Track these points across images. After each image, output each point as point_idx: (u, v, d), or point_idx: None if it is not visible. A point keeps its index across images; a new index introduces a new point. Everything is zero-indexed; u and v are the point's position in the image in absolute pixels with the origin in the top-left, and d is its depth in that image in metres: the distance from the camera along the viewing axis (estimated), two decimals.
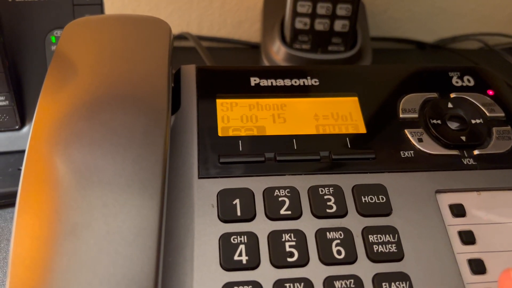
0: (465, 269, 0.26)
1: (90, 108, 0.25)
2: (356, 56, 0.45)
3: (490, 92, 0.33)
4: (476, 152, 0.30)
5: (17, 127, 0.37)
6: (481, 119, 0.31)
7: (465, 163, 0.29)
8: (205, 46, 0.55)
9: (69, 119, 0.24)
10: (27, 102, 0.37)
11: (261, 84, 0.32)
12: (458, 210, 0.28)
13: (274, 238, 0.25)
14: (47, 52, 0.38)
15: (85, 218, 0.21)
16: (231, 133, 0.30)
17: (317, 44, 0.44)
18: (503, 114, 0.32)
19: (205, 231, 0.25)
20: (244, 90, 0.32)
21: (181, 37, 0.50)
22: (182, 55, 0.52)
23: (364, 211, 0.27)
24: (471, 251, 0.26)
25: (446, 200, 0.28)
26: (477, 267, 0.26)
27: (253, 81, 0.32)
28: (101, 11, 0.38)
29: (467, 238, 0.27)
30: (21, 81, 0.37)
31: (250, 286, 0.24)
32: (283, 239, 0.25)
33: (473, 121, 0.31)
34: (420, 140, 0.30)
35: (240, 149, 0.29)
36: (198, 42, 0.44)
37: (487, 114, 0.32)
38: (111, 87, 0.26)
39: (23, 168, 0.23)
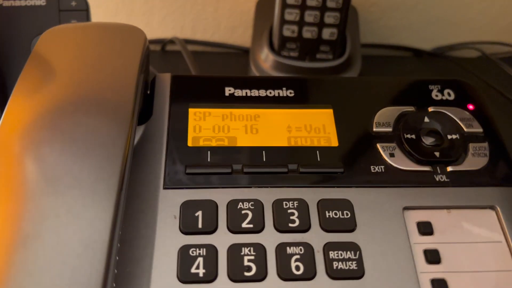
0: None
1: (53, 117, 0.25)
2: (345, 64, 0.44)
3: (471, 107, 0.32)
4: (449, 168, 0.29)
5: None
6: (457, 135, 0.31)
7: (437, 179, 0.29)
8: (199, 51, 0.55)
9: (31, 128, 0.24)
10: None
11: (236, 94, 0.32)
12: (425, 228, 0.27)
13: (233, 251, 0.25)
14: None
15: (36, 228, 0.21)
16: (201, 143, 0.30)
17: (305, 52, 0.44)
18: (481, 130, 0.31)
19: (165, 242, 0.26)
20: (218, 100, 0.32)
21: (172, 41, 0.50)
22: (175, 59, 0.52)
23: (327, 226, 0.26)
24: (435, 271, 0.26)
25: (414, 217, 0.27)
26: (440, 287, 0.25)
27: (228, 91, 0.32)
28: (87, 17, 0.39)
29: (432, 257, 0.26)
30: (5, 85, 0.38)
31: None
32: (242, 253, 0.25)
33: (449, 137, 0.31)
34: (391, 155, 0.30)
35: (208, 160, 0.29)
36: (185, 47, 0.45)
37: (465, 129, 0.31)
38: (78, 95, 0.26)
39: None
